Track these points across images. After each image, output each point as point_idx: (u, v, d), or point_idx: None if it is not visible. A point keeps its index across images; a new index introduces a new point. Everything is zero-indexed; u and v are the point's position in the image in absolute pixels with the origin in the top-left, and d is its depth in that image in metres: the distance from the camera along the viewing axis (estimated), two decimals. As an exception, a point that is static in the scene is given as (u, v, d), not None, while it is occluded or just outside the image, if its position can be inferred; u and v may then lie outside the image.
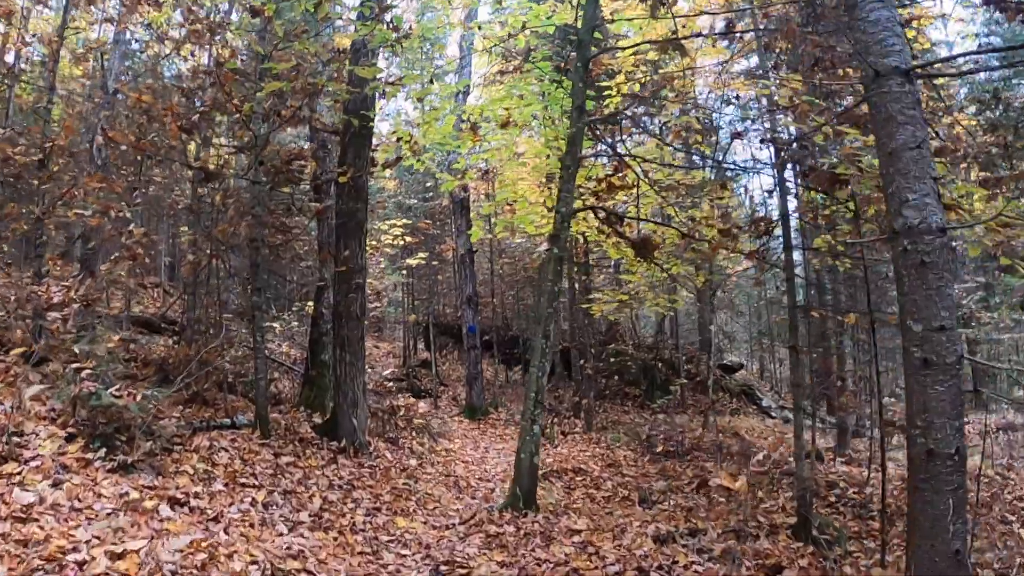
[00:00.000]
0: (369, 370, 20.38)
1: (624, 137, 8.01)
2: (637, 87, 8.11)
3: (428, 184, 16.61)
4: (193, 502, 4.73)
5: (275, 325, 11.48)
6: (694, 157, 9.25)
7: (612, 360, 15.70)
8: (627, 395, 17.81)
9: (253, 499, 5.31)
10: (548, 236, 5.73)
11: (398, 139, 7.26)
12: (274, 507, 5.36)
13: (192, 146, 9.68)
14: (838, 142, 6.75)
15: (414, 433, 9.77)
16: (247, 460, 6.12)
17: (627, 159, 7.40)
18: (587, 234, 9.26)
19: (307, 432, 7.61)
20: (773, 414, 17.35)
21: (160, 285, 15.68)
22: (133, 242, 6.26)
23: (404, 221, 12.96)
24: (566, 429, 13.14)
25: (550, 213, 8.99)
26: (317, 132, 9.66)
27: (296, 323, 11.47)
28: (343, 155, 7.53)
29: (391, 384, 10.94)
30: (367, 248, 7.79)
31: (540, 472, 9.45)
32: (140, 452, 5.02)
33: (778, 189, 6.70)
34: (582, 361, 14.34)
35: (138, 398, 5.21)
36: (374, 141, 8.24)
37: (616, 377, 17.15)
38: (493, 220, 13.29)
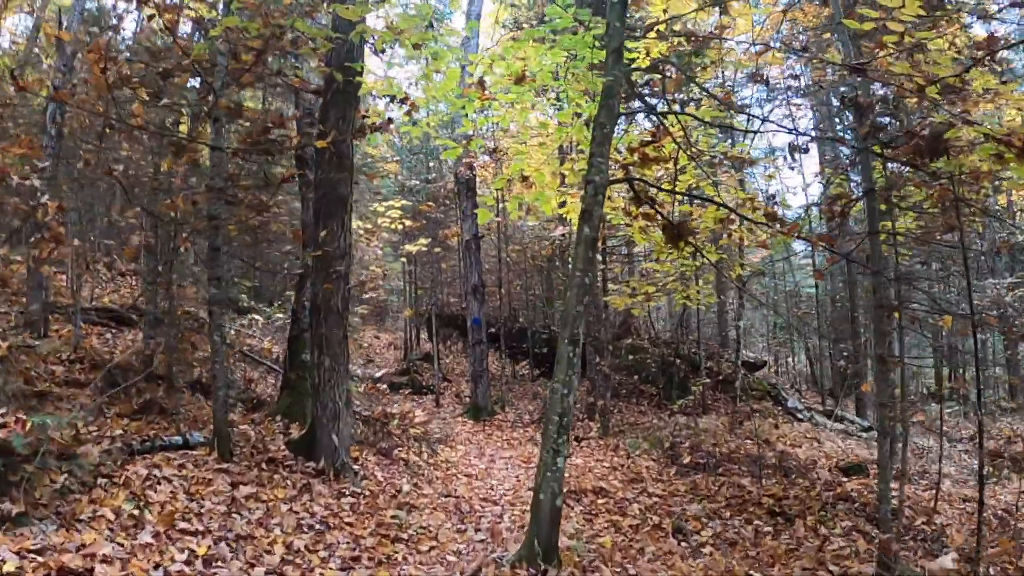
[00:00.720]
0: (365, 364, 19.21)
1: (671, 95, 6.68)
2: (675, 43, 6.77)
3: (432, 164, 15.29)
4: (100, 568, 3.48)
5: (257, 317, 10.25)
6: (745, 121, 7.94)
7: (631, 357, 14.41)
8: (643, 394, 16.54)
9: (192, 553, 4.07)
10: (580, 212, 4.43)
11: (390, 100, 5.94)
12: (220, 563, 4.11)
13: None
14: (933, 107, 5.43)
15: (411, 442, 8.54)
16: (194, 494, 4.87)
17: (667, 124, 6.07)
18: (609, 216, 7.94)
19: (279, 450, 6.37)
20: (800, 416, 16.05)
21: (138, 272, 14.44)
22: (50, 219, 5.00)
23: (404, 202, 11.66)
24: (580, 434, 11.88)
25: (570, 190, 7.70)
26: (300, 95, 8.37)
27: (281, 315, 10.21)
28: (324, 116, 6.23)
29: (384, 387, 9.65)
30: (352, 229, 6.48)
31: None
32: (37, 496, 3.78)
33: (860, 161, 5.37)
34: (597, 359, 13.07)
35: (28, 425, 3.95)
36: (362, 106, 6.96)
37: (636, 376, 15.88)
38: (504, 199, 11.98)
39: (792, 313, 23.37)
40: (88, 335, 9.08)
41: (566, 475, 9.30)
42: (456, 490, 7.77)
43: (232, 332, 9.66)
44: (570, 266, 4.48)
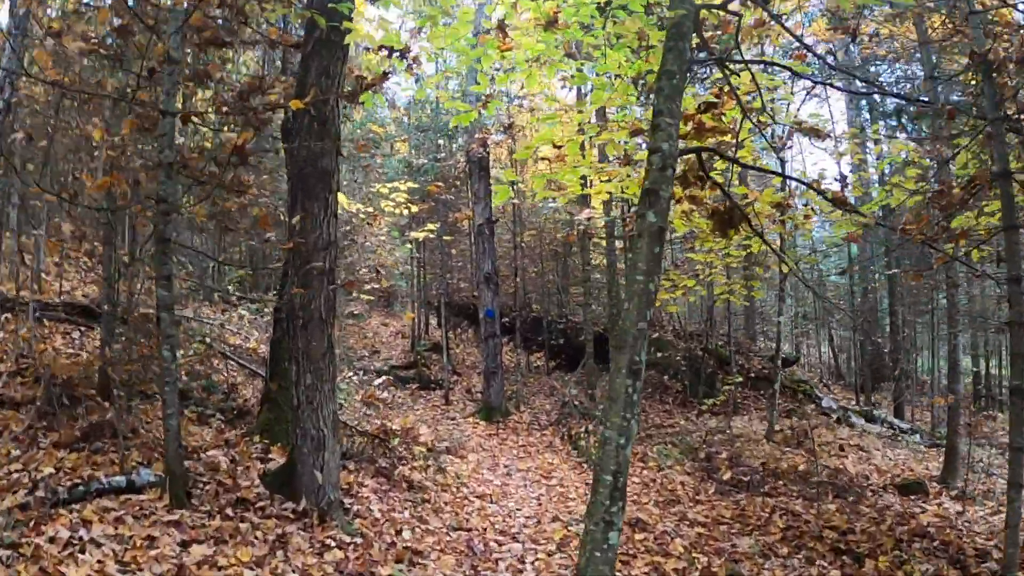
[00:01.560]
0: (370, 355, 18.10)
1: (745, 43, 5.39)
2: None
3: (441, 143, 14.01)
4: None
5: (244, 312, 9.10)
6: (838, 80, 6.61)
7: (659, 354, 13.19)
8: (667, 390, 15.35)
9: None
10: (643, 192, 3.20)
11: (387, 53, 4.69)
12: None
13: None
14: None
15: (414, 458, 7.39)
16: (129, 564, 3.73)
17: (734, 83, 4.81)
18: (627, 192, 6.71)
19: (252, 485, 5.22)
20: (835, 417, 14.81)
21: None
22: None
23: (410, 184, 10.42)
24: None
25: (598, 165, 6.47)
26: (288, 56, 7.16)
27: (269, 310, 9.05)
28: (303, 72, 5.00)
29: (385, 394, 8.47)
30: (338, 214, 5.27)
31: (575, 519, 7.08)
32: None
33: (993, 136, 4.09)
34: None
35: None
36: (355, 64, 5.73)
37: (659, 372, 14.67)
38: (523, 180, 10.72)
39: (821, 305, 22.07)
40: (51, 335, 7.98)
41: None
42: (468, 520, 6.63)
43: (211, 328, 8.52)
44: (627, 266, 3.26)
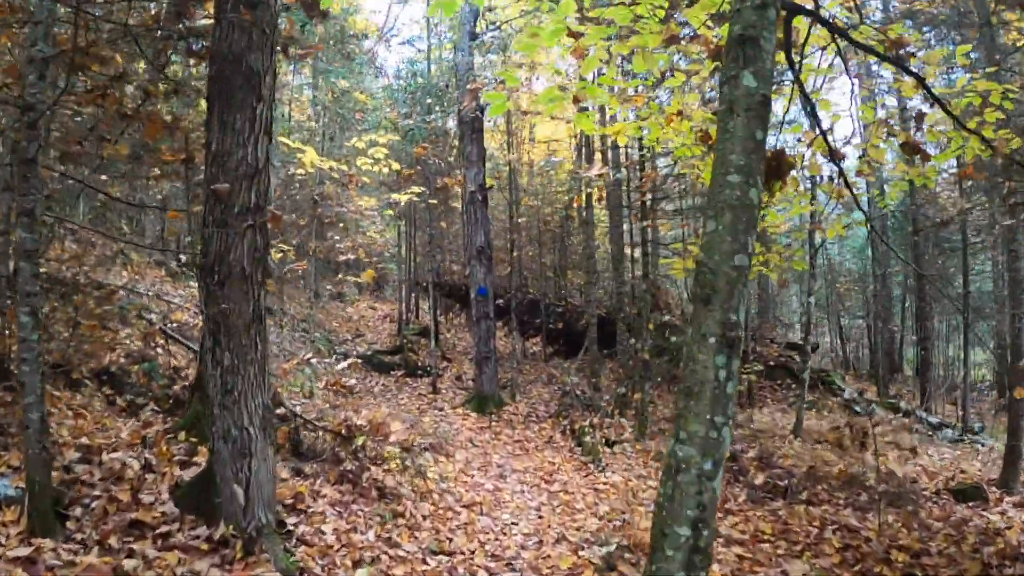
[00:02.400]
0: (353, 339, 16.71)
1: None
2: None
3: (429, 101, 12.58)
4: None
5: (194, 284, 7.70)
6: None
7: (672, 339, 11.87)
8: (674, 379, 14.04)
9: None
10: (730, 41, 1.81)
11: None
12: None
13: None
14: None
15: (387, 459, 6.03)
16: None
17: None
18: (649, 137, 5.36)
19: (157, 503, 3.86)
20: (859, 410, 13.53)
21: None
22: None
23: (390, 137, 9.00)
24: (612, 435, 9.38)
25: (622, 84, 5.12)
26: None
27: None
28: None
29: (354, 382, 7.07)
30: (273, 134, 3.88)
31: (585, 540, 5.76)
32: None
33: None
34: (631, 339, 10.58)
35: None
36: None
37: (664, 358, 13.36)
38: (519, 136, 9.33)
39: (835, 289, 20.84)
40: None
41: (602, 505, 6.84)
42: (451, 539, 5.30)
43: (146, 298, 7.13)
44: (713, 164, 1.89)
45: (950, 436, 12.81)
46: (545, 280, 17.19)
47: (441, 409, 11.05)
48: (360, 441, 5.09)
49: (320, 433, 5.57)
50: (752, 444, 9.17)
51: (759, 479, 7.64)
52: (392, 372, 13.93)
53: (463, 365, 15.03)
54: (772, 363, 14.01)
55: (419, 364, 14.26)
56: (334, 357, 13.74)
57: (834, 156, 5.14)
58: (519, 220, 15.08)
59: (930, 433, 12.41)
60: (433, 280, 14.11)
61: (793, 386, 13.98)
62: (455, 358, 15.61)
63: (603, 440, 9.08)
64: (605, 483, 7.55)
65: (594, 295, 12.39)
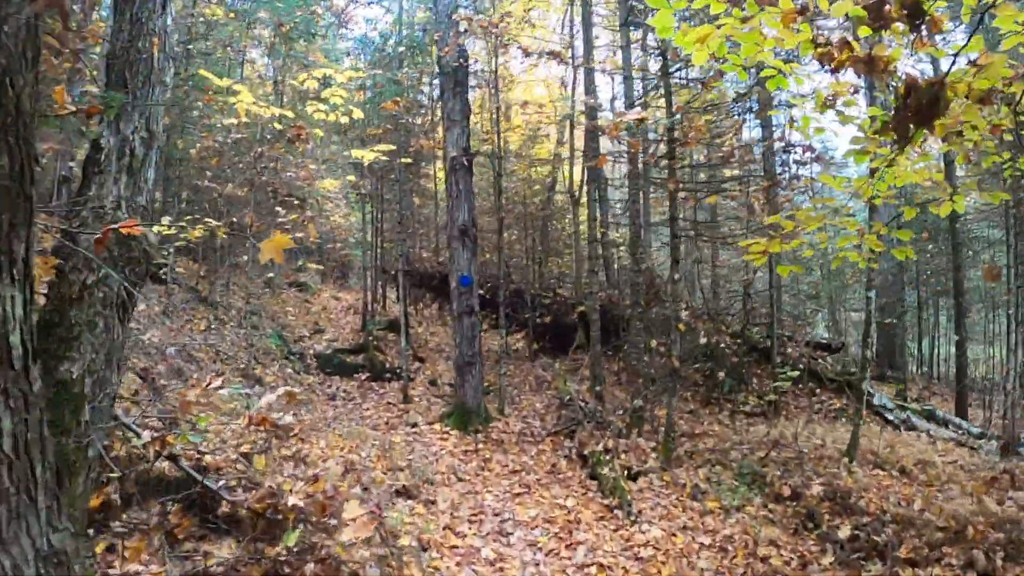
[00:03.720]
0: (311, 334, 14.49)
1: None
2: None
3: (402, 50, 10.41)
4: None
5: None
6: None
7: (688, 338, 9.97)
8: (684, 383, 12.21)
9: None
10: None
11: None
12: None
13: None
14: None
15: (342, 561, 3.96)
16: None
17: None
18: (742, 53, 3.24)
19: None
20: (892, 418, 11.88)
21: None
22: None
23: (351, 74, 6.87)
24: (633, 464, 7.41)
25: None
26: None
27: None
28: None
29: (290, 418, 4.88)
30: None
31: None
32: None
33: None
34: (653, 343, 8.63)
35: None
36: None
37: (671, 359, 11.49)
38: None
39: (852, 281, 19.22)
40: None
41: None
42: None
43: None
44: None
45: (995, 448, 11.24)
46: (527, 268, 15.19)
47: (415, 425, 8.98)
48: (292, 539, 3.01)
49: (233, 507, 3.46)
50: (803, 471, 7.31)
51: (844, 531, 5.78)
52: (355, 375, 11.80)
53: (438, 366, 12.95)
54: (795, 366, 12.26)
55: (387, 365, 12.15)
56: (288, 358, 11.63)
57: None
58: (503, 200, 13.03)
59: (981, 445, 10.80)
60: (403, 267, 11.96)
61: (817, 391, 12.27)
62: (428, 357, 13.52)
63: (624, 471, 7.13)
64: (644, 540, 5.58)
65: (593, 286, 10.41)
